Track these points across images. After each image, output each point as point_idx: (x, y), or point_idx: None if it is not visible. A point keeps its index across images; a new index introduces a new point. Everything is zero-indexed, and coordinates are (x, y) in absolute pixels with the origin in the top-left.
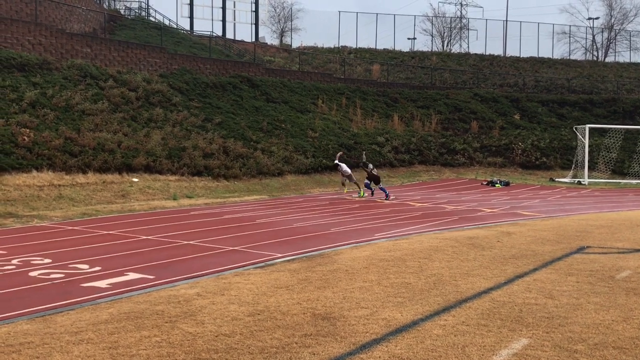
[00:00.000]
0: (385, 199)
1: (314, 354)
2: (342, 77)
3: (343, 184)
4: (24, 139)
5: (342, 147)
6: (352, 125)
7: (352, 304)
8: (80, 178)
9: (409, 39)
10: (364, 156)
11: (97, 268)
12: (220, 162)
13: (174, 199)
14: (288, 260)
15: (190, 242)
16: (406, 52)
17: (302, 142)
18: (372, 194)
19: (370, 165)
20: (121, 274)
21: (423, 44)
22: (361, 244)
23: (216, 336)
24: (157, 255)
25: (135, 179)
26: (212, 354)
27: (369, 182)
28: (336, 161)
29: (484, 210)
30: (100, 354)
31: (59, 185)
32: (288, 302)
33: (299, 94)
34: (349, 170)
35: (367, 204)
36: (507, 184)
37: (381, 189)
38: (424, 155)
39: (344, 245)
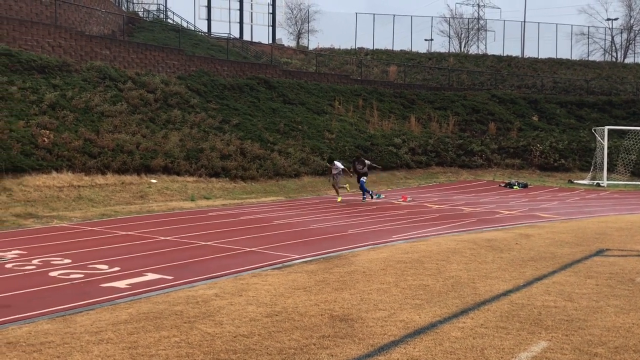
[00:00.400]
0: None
1: (332, 356)
2: (358, 78)
3: (337, 190)
4: (44, 140)
5: (358, 149)
6: (368, 126)
7: (370, 306)
8: (100, 179)
9: (426, 40)
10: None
11: (116, 268)
12: (237, 164)
13: (192, 200)
14: (305, 262)
15: (208, 243)
16: (423, 53)
17: (319, 144)
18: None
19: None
20: (140, 274)
21: (440, 45)
22: (378, 245)
23: (234, 337)
24: (175, 256)
25: (153, 180)
26: (231, 355)
27: (363, 181)
28: (337, 163)
29: (502, 212)
30: (119, 353)
31: (79, 186)
32: (306, 304)
33: (315, 96)
34: (340, 169)
35: (384, 205)
36: (525, 185)
37: (360, 182)
38: (441, 156)
39: (361, 246)
